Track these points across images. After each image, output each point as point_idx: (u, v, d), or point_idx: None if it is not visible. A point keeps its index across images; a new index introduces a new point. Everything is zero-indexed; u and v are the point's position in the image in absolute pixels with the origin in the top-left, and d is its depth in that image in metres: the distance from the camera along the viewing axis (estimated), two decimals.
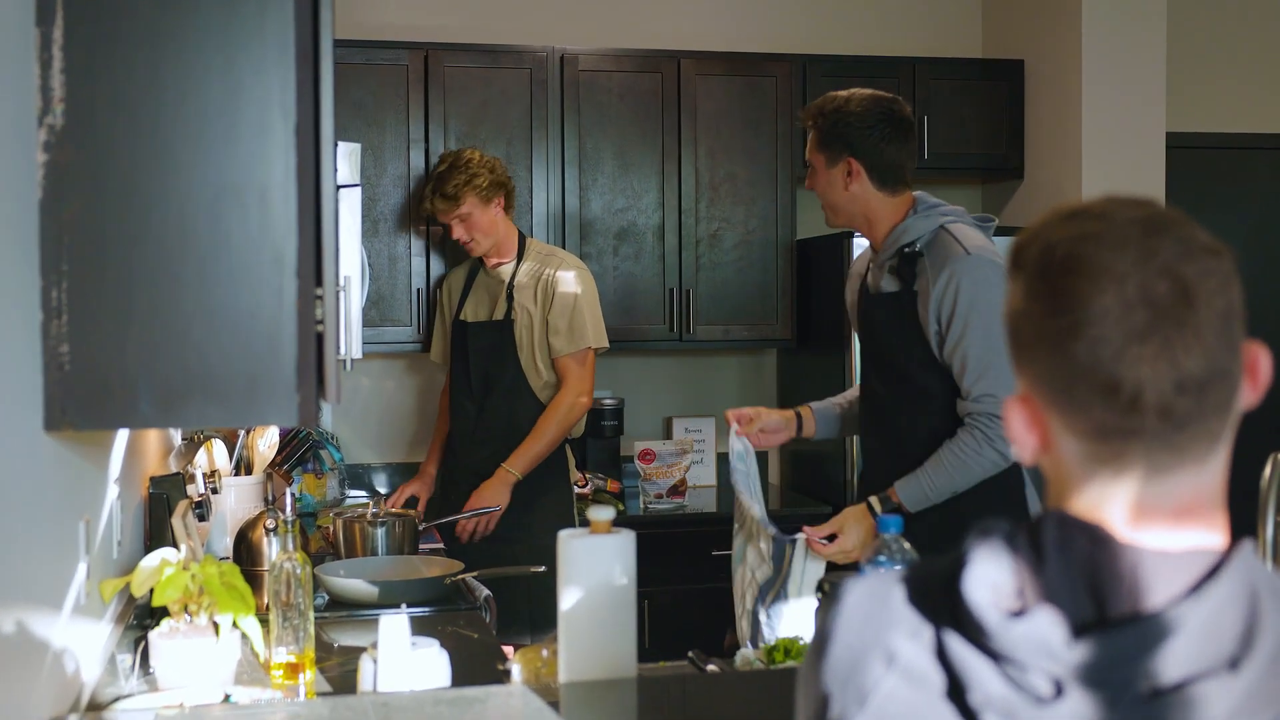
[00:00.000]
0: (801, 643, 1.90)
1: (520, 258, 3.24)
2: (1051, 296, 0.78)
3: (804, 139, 3.78)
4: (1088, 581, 0.77)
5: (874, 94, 2.31)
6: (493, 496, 3.08)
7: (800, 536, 2.18)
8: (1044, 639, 0.74)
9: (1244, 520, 1.03)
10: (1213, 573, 0.76)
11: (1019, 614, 0.76)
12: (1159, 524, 0.79)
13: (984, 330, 2.15)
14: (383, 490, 3.75)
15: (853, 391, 2.53)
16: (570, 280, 3.18)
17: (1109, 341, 0.76)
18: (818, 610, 1.68)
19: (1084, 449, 0.79)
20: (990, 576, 0.78)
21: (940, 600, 0.80)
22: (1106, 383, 0.76)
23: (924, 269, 2.22)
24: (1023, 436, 0.82)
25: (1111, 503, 0.79)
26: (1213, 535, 0.80)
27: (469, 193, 3.14)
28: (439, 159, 3.34)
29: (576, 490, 3.42)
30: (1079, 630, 0.75)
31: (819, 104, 2.31)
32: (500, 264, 3.26)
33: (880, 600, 0.82)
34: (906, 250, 2.25)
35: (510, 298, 3.20)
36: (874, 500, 2.21)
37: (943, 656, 0.78)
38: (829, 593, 0.88)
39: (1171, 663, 0.73)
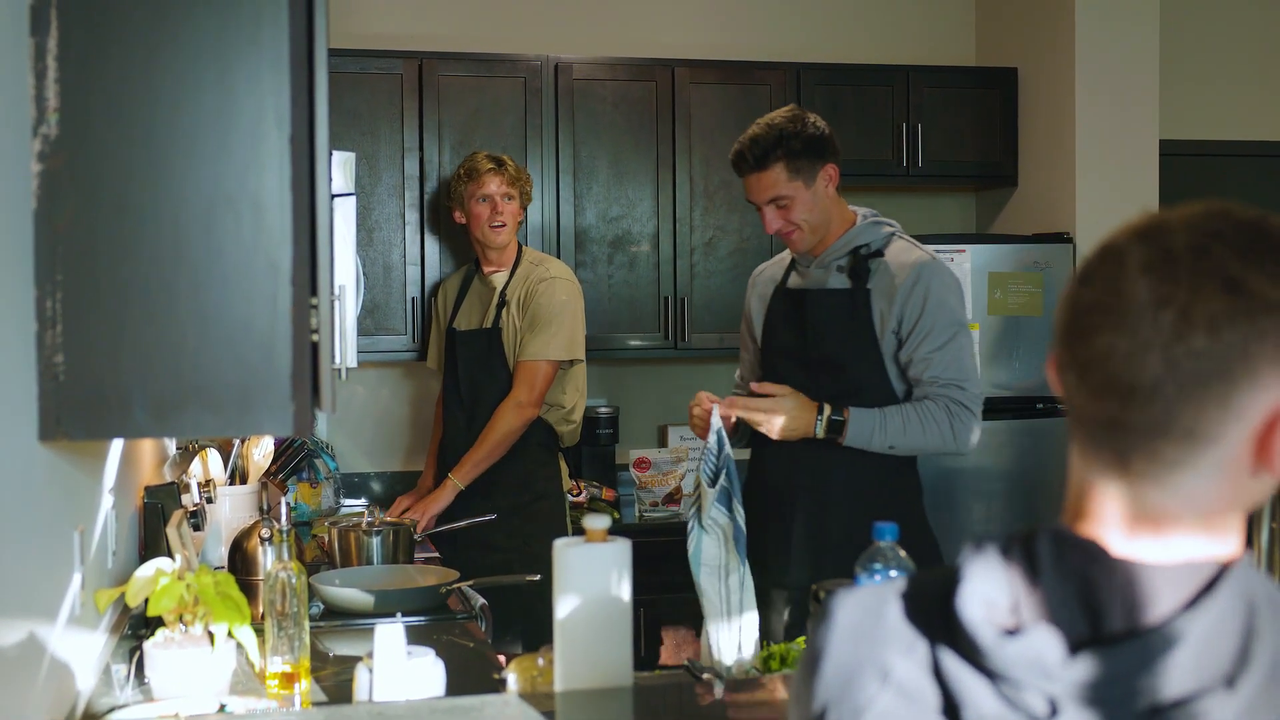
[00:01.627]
0: (796, 650, 1.90)
1: (515, 267, 3.25)
2: (1073, 281, 0.80)
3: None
4: (1083, 597, 0.76)
5: (792, 108, 2.36)
6: (435, 503, 3.09)
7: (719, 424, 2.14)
8: (1040, 658, 0.74)
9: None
10: (1210, 586, 0.75)
11: (1014, 632, 0.75)
12: (1157, 531, 0.78)
13: (953, 329, 2.22)
14: (377, 489, 3.75)
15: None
16: (547, 289, 3.17)
17: (1117, 345, 0.76)
18: (810, 624, 1.67)
19: (1091, 440, 0.79)
20: (985, 593, 0.77)
21: (935, 616, 0.79)
22: (1113, 382, 0.76)
23: (882, 269, 2.27)
24: (1056, 386, 0.83)
25: (1112, 509, 0.78)
26: (1215, 544, 0.78)
27: (519, 195, 3.24)
28: (488, 154, 3.29)
29: (571, 499, 3.42)
30: (1075, 647, 0.74)
31: (766, 136, 2.27)
32: (496, 272, 3.27)
33: (874, 615, 0.81)
34: (862, 250, 2.30)
35: (499, 306, 3.21)
36: (827, 405, 2.20)
37: (938, 674, 0.77)
38: (820, 607, 0.87)
39: (1169, 680, 0.72)
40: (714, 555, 2.01)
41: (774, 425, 2.21)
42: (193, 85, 1.44)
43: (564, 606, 1.67)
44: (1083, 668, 0.73)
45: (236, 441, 2.73)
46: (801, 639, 1.95)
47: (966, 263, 3.56)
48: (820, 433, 2.21)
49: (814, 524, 2.30)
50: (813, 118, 2.32)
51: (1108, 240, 0.79)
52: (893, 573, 1.69)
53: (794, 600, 2.29)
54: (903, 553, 1.73)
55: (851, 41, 4.09)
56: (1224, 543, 0.79)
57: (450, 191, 3.34)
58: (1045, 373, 0.85)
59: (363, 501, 3.66)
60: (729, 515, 2.06)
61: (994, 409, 3.57)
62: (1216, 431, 0.76)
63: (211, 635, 1.71)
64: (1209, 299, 0.74)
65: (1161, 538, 0.78)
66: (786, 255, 2.46)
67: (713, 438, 2.15)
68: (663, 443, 3.98)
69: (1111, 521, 0.78)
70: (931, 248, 2.37)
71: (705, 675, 1.81)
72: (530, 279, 3.20)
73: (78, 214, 1.42)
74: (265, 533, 2.18)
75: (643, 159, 3.69)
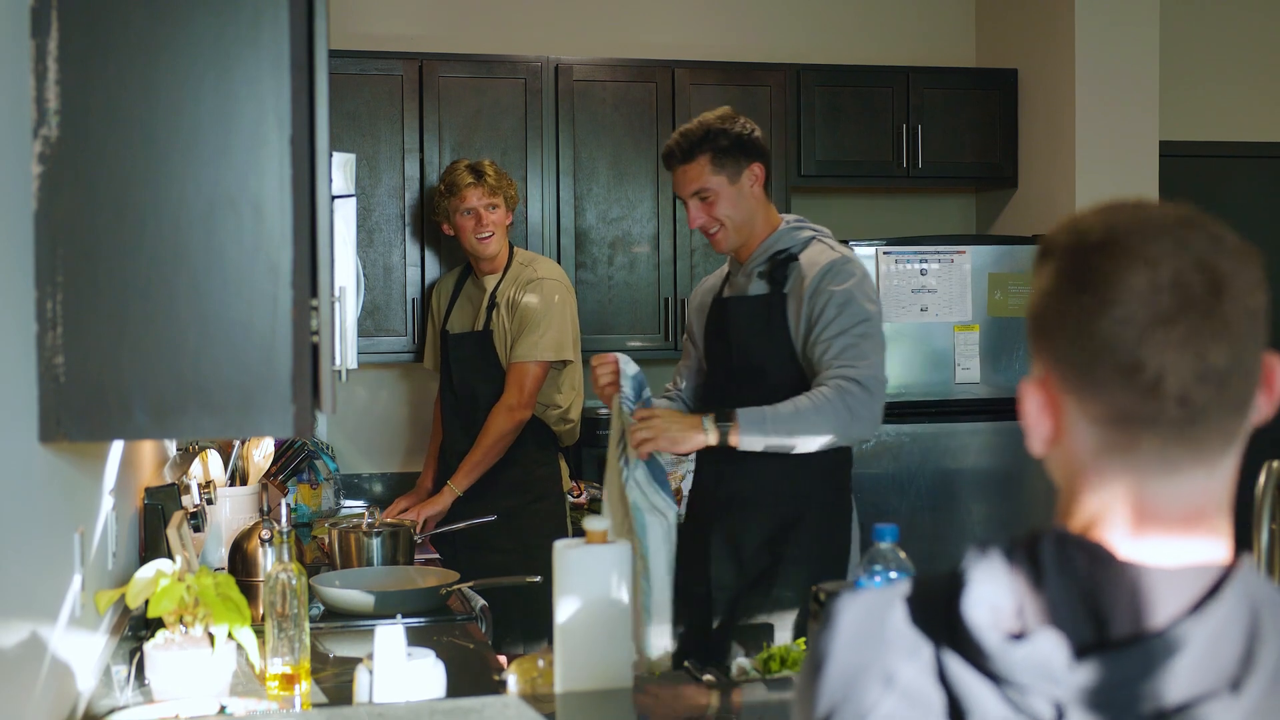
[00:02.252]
0: (797, 651, 1.89)
1: (506, 268, 3.25)
2: (1080, 274, 0.77)
3: (796, 144, 3.80)
4: (1088, 601, 0.76)
5: (724, 109, 2.37)
6: (433, 508, 3.10)
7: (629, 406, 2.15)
8: (1045, 662, 0.73)
9: (1238, 530, 1.03)
10: (1214, 590, 0.75)
11: (1019, 636, 0.75)
12: (1163, 531, 0.77)
13: (855, 319, 2.18)
14: (377, 490, 3.74)
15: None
16: (535, 290, 3.17)
17: (1134, 322, 0.75)
18: (812, 627, 1.67)
19: (1098, 436, 0.78)
20: (989, 597, 0.77)
21: (939, 620, 0.78)
22: (1128, 364, 0.75)
23: (797, 272, 2.26)
24: (1036, 421, 0.80)
25: (1118, 507, 0.78)
26: (1216, 546, 0.78)
27: (503, 201, 3.23)
28: (468, 164, 3.29)
29: (571, 500, 3.41)
30: (1080, 651, 0.74)
31: (695, 131, 2.30)
32: (488, 273, 3.27)
33: (877, 619, 0.81)
34: (780, 255, 2.29)
35: (490, 309, 3.21)
36: (710, 416, 2.15)
37: (942, 678, 0.77)
38: (823, 610, 0.86)
39: (1174, 684, 0.72)
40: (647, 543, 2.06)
41: (665, 439, 2.16)
42: (193, 87, 1.44)
43: (564, 608, 1.67)
44: (1088, 672, 0.73)
45: (236, 443, 2.73)
46: (801, 640, 1.95)
47: (966, 263, 3.56)
48: (709, 428, 2.14)
49: (733, 529, 2.30)
50: (745, 120, 2.33)
51: (1103, 237, 0.78)
52: (893, 574, 1.69)
53: (714, 600, 2.30)
54: (903, 554, 1.73)
55: (852, 42, 4.09)
56: (1221, 545, 0.79)
57: (435, 205, 3.33)
58: (1028, 391, 0.82)
59: (362, 502, 3.66)
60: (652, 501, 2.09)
61: (994, 410, 3.58)
62: (1239, 433, 0.78)
63: (212, 636, 1.71)
64: (1236, 263, 0.77)
65: (1166, 540, 0.77)
66: (726, 267, 2.45)
67: (627, 385, 2.16)
68: None
69: (1117, 524, 0.78)
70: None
71: (705, 677, 1.81)
72: (520, 280, 3.20)
73: (78, 215, 1.42)
74: (265, 534, 2.18)
75: (643, 160, 3.69)
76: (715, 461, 2.31)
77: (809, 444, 2.15)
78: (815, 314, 2.21)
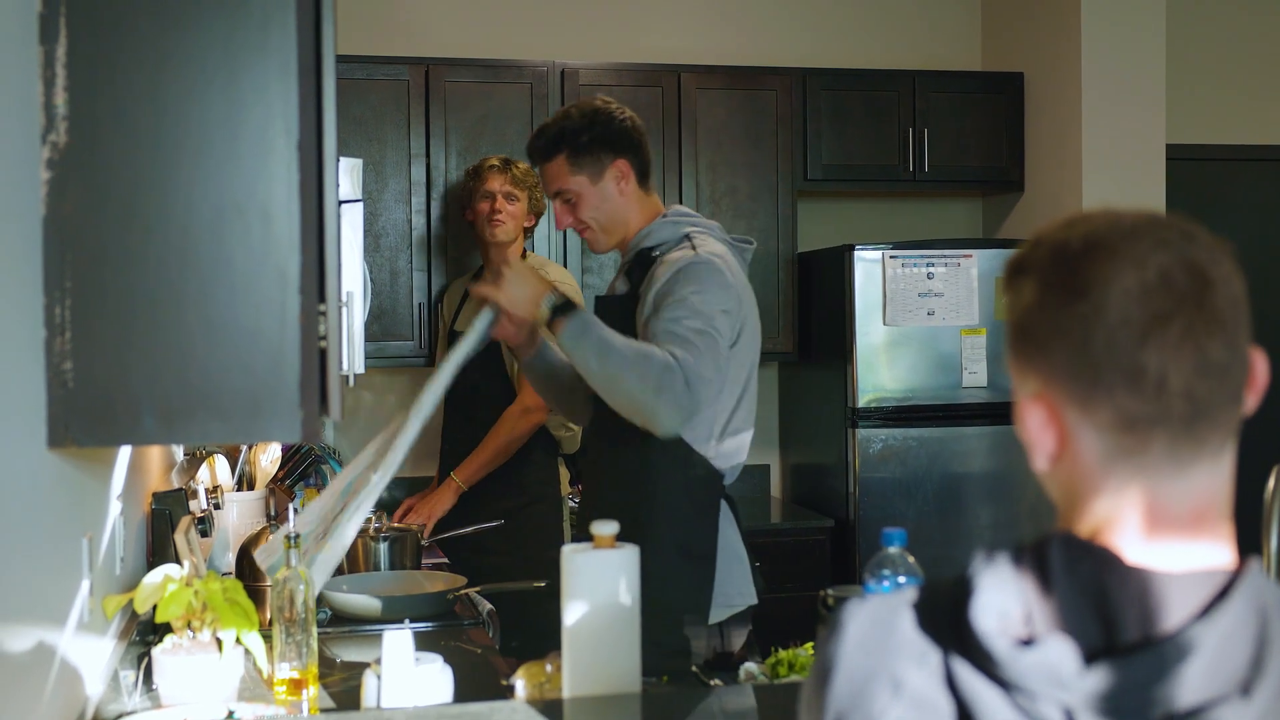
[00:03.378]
0: (805, 656, 1.89)
1: None
2: (1068, 284, 0.78)
3: (802, 148, 3.80)
4: (1096, 607, 0.76)
5: (589, 101, 2.24)
6: (439, 504, 3.11)
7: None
8: (1055, 668, 0.73)
9: (1247, 535, 1.03)
10: (1223, 593, 0.75)
11: (1028, 642, 0.74)
12: (1172, 533, 0.78)
13: (692, 313, 2.00)
14: (384, 494, 3.74)
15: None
16: None
17: (1132, 324, 0.75)
18: (819, 633, 1.67)
19: (1106, 442, 0.78)
20: (998, 603, 0.77)
21: (947, 626, 0.78)
22: (1131, 367, 0.76)
23: (653, 272, 2.10)
24: (1038, 438, 0.80)
25: (1126, 511, 0.78)
26: (1221, 550, 0.79)
27: (526, 198, 3.23)
28: (502, 157, 3.29)
29: (573, 504, 3.41)
30: (1089, 657, 0.74)
31: (551, 128, 2.18)
32: None
33: (885, 626, 0.81)
34: (654, 253, 2.15)
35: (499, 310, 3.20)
36: (552, 298, 2.02)
37: (951, 684, 0.77)
38: (831, 616, 0.86)
39: (1184, 689, 0.72)
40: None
41: (505, 296, 2.05)
42: (201, 92, 1.44)
43: (572, 613, 1.67)
44: (1098, 678, 0.73)
45: (244, 447, 2.73)
46: (809, 645, 1.95)
47: (973, 267, 3.55)
48: (544, 310, 2.02)
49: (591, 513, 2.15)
50: (617, 110, 2.18)
51: (1085, 246, 0.78)
52: (901, 579, 1.68)
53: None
54: (911, 559, 1.72)
55: (858, 46, 4.09)
56: (1226, 548, 0.79)
57: (461, 190, 3.38)
58: (1028, 409, 0.81)
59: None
60: None
61: (1002, 415, 3.57)
62: (1235, 424, 0.78)
63: (219, 641, 1.71)
64: (1212, 254, 0.78)
65: (1175, 543, 0.78)
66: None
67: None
68: None
69: (1127, 528, 0.78)
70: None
71: (713, 681, 1.80)
72: None
73: (86, 221, 1.42)
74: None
75: None
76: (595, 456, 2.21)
77: (609, 385, 1.98)
78: (655, 313, 2.04)
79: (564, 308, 2.02)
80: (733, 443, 2.23)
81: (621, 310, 2.16)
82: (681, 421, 2.02)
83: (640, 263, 2.16)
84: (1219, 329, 0.76)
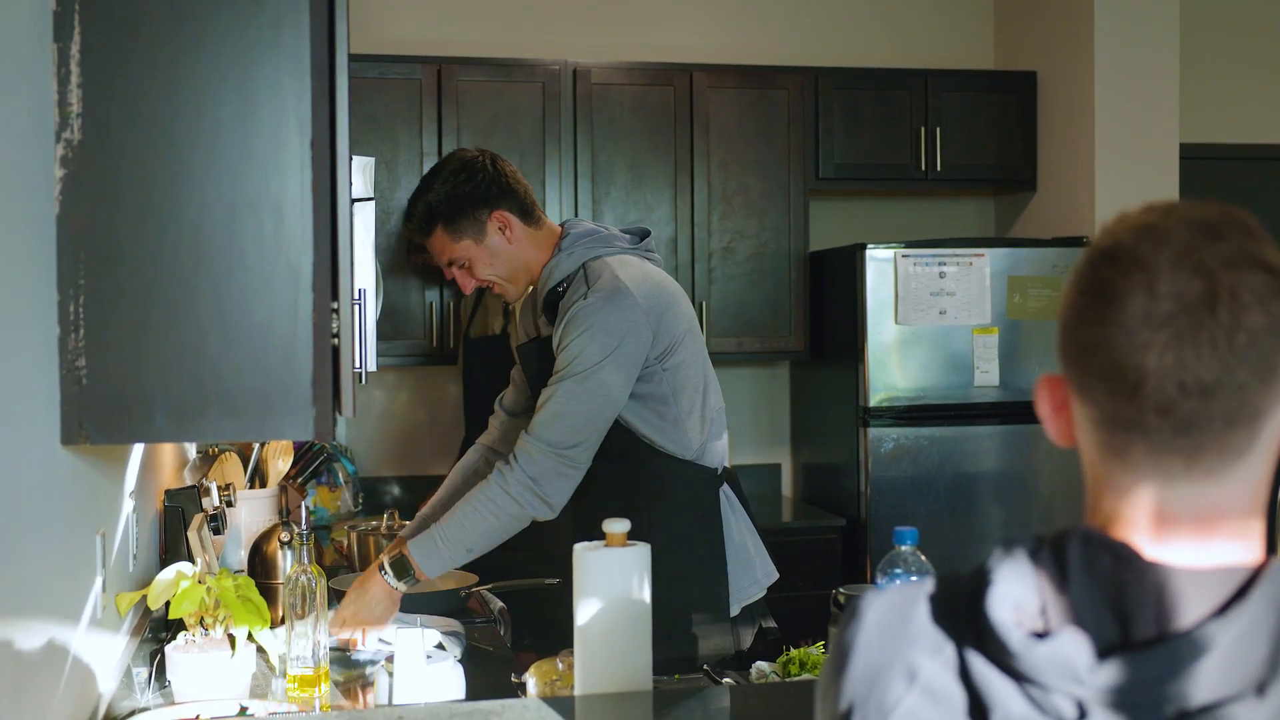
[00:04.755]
0: (816, 654, 1.88)
1: None
2: (1085, 279, 0.79)
3: (814, 146, 3.79)
4: (1112, 601, 0.75)
5: (447, 161, 2.22)
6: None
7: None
8: (1068, 661, 0.73)
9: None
10: (1241, 592, 0.75)
11: (1043, 635, 0.74)
12: (1180, 533, 0.77)
13: (576, 380, 2.00)
14: (396, 492, 3.75)
15: (446, 490, 2.32)
16: None
17: (1123, 326, 0.76)
18: (832, 631, 1.66)
19: (1096, 438, 0.79)
20: (1014, 595, 0.77)
21: (963, 618, 0.78)
22: (1112, 366, 0.76)
23: (560, 316, 2.09)
24: (1049, 417, 0.83)
25: (1131, 508, 0.78)
26: (1242, 548, 0.78)
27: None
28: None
29: None
30: (1104, 651, 0.74)
31: (418, 209, 2.17)
32: None
33: (901, 616, 0.81)
34: (552, 292, 2.14)
35: (506, 314, 3.21)
36: (385, 559, 2.02)
37: (965, 675, 0.77)
38: (847, 607, 0.86)
39: (1199, 686, 0.72)
40: None
41: (346, 615, 2.01)
42: (214, 90, 1.44)
43: (584, 610, 1.67)
44: (1111, 672, 0.72)
45: (256, 445, 2.73)
46: (820, 644, 1.94)
47: (985, 266, 3.54)
48: (394, 584, 2.00)
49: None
50: (477, 163, 2.17)
51: (1112, 245, 0.78)
52: (913, 578, 1.68)
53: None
54: (924, 558, 1.71)
55: (870, 45, 4.08)
56: (1250, 548, 0.78)
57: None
58: (1042, 388, 0.83)
59: (382, 505, 3.67)
60: None
61: (1013, 414, 3.55)
62: (1267, 418, 0.76)
63: (232, 638, 1.72)
64: (1250, 276, 0.75)
65: (1194, 541, 0.77)
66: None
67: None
68: None
69: (1143, 524, 0.78)
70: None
71: (726, 680, 1.80)
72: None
73: (100, 218, 1.42)
74: (285, 536, 2.18)
75: (661, 164, 3.69)
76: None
77: (494, 542, 2.03)
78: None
79: (398, 566, 2.01)
80: (718, 445, 2.24)
81: (537, 354, 2.16)
82: (564, 499, 2.04)
83: (549, 305, 2.15)
84: (1211, 351, 0.73)
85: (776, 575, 2.27)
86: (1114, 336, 0.76)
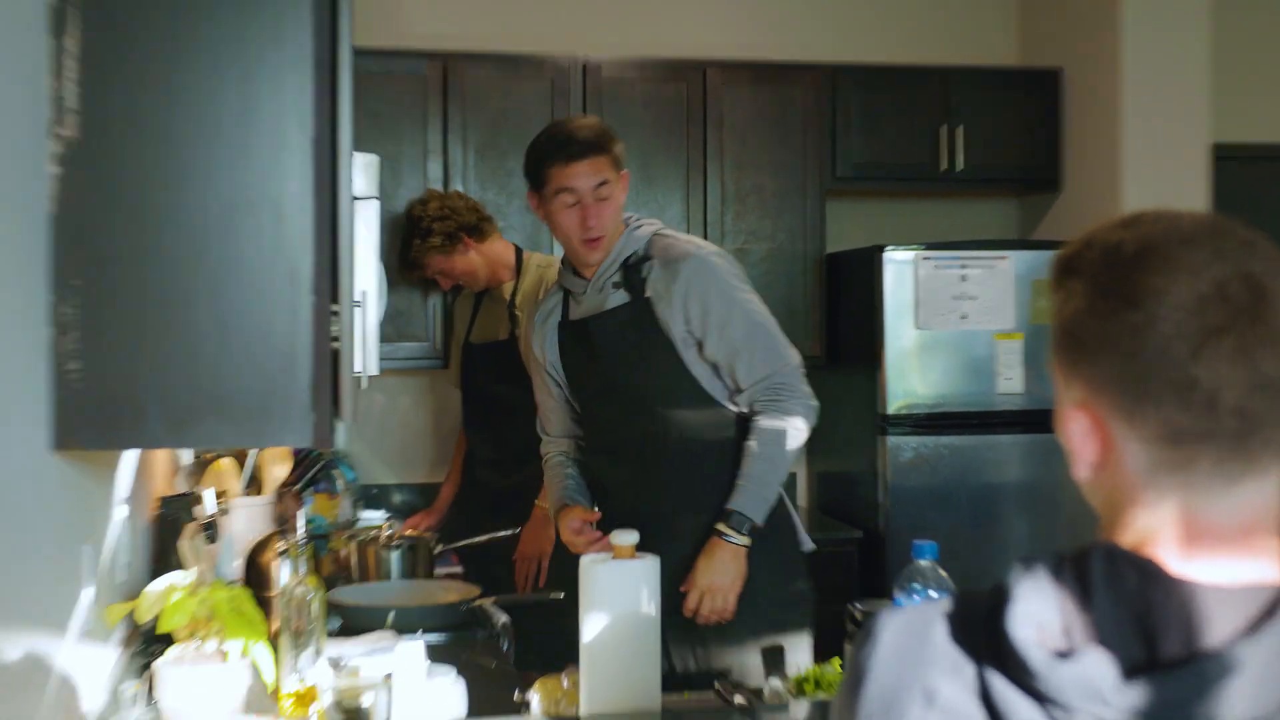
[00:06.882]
0: (832, 673, 1.84)
1: (519, 274, 3.18)
2: (1121, 292, 0.77)
3: (831, 145, 3.72)
4: (1138, 619, 0.74)
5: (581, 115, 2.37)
6: (534, 540, 2.98)
7: None
8: (1093, 681, 0.71)
9: None
10: (1271, 610, 0.73)
11: (1066, 654, 0.73)
12: (1217, 548, 0.76)
13: (742, 314, 2.19)
14: (397, 500, 3.70)
15: (559, 473, 2.36)
16: None
17: (1185, 338, 0.74)
18: (848, 648, 1.62)
19: (1151, 456, 0.76)
20: (1035, 613, 0.75)
21: (982, 637, 0.77)
22: (1182, 380, 0.74)
23: (654, 274, 2.20)
24: (1080, 447, 0.79)
25: (1169, 524, 0.77)
26: (1271, 566, 0.76)
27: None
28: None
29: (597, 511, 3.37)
30: (1129, 671, 0.72)
31: (596, 124, 2.27)
32: (505, 280, 3.21)
33: (919, 636, 0.79)
34: (630, 260, 2.22)
35: (512, 317, 3.15)
36: (722, 526, 2.13)
37: (985, 697, 0.75)
38: (862, 627, 0.85)
39: (1228, 707, 0.70)
40: None
41: (732, 597, 2.14)
42: (213, 86, 1.43)
43: (591, 625, 1.63)
44: (1138, 693, 0.71)
45: (252, 451, 2.69)
46: (835, 660, 1.91)
47: (1009, 269, 3.47)
48: (737, 540, 2.13)
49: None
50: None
51: (1139, 252, 0.77)
52: (932, 593, 1.64)
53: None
54: (943, 572, 1.66)
55: (889, 42, 4.02)
56: (1275, 564, 0.77)
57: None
58: (1073, 420, 0.80)
59: (382, 513, 3.61)
60: None
61: (1038, 422, 3.47)
62: None
63: (225, 652, 1.68)
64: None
65: (1221, 558, 0.76)
66: (557, 292, 2.34)
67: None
68: None
69: (1173, 540, 0.76)
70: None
71: (737, 699, 1.75)
72: (543, 283, 3.14)
73: (95, 218, 1.40)
74: (281, 546, 2.14)
75: (673, 162, 3.64)
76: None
77: (786, 470, 2.20)
78: (698, 318, 2.17)
79: (739, 523, 2.14)
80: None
81: (633, 317, 2.21)
82: (812, 401, 2.25)
83: (631, 271, 2.23)
84: (1275, 344, 0.74)
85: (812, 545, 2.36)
86: (1174, 350, 0.74)
